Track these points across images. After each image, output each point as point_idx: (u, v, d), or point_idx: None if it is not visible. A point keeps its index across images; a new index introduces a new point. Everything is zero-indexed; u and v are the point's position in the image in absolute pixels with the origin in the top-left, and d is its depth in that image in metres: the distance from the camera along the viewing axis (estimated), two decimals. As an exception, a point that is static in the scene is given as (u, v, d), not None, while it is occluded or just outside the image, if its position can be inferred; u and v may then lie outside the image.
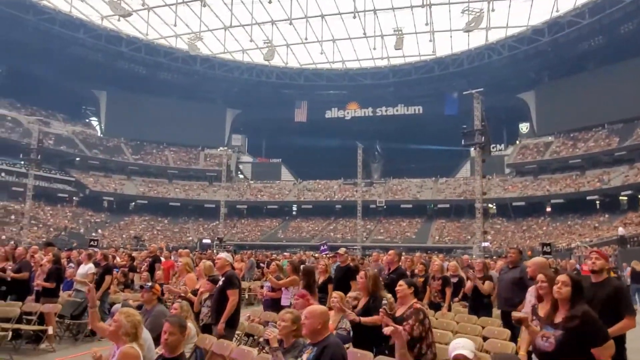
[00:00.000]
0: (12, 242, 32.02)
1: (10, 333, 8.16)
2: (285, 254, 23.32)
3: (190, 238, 58.71)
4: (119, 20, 57.91)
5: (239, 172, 77.27)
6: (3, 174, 54.53)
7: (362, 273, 5.48)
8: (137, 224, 61.18)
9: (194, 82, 72.86)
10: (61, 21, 58.90)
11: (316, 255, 24.10)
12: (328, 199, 67.29)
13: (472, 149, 44.79)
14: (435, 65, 66.76)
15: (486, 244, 37.38)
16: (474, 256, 28.25)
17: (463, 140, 37.24)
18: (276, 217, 66.93)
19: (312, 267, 8.92)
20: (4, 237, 42.20)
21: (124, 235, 55.16)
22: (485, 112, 35.55)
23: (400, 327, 4.48)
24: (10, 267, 9.30)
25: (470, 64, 63.83)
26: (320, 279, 8.35)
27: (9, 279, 9.07)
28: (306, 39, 61.52)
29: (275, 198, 69.35)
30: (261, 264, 18.08)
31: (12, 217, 49.08)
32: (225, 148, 69.05)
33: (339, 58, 68.54)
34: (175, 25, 58.47)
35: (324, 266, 8.68)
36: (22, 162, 53.13)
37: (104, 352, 4.29)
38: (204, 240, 53.91)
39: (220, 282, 6.10)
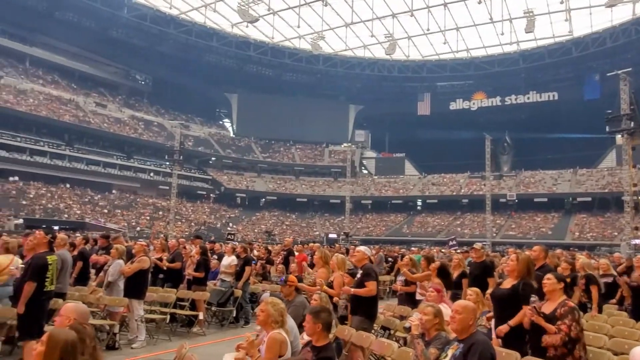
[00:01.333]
0: (162, 235, 35.45)
1: (168, 317, 9.05)
2: (412, 248, 23.01)
3: (317, 232, 60.42)
4: (247, 26, 61.31)
5: (363, 168, 77.86)
6: (152, 174, 60.60)
7: (513, 256, 5.12)
8: (267, 219, 64.37)
9: (318, 81, 74.82)
10: (197, 32, 63.88)
11: (444, 250, 23.50)
12: (454, 193, 65.23)
13: (619, 135, 40.58)
14: (573, 46, 61.48)
15: (637, 240, 33.69)
16: (623, 254, 25.59)
17: (607, 127, 33.94)
18: (401, 212, 66.41)
19: (446, 262, 8.71)
20: (155, 230, 46.86)
21: (255, 230, 58.38)
22: (634, 94, 31.99)
23: (554, 327, 4.20)
24: (165, 258, 10.28)
25: (614, 42, 57.83)
26: (454, 273, 8.13)
27: (164, 268, 10.03)
28: (428, 29, 60.12)
29: (399, 193, 68.83)
30: (389, 259, 18.05)
31: (161, 212, 54.32)
32: (349, 144, 69.94)
33: (463, 47, 66.02)
34: (298, 26, 60.48)
35: (457, 260, 8.44)
36: (167, 163, 58.55)
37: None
38: (330, 235, 55.16)
39: (359, 275, 6.18)
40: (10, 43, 57.15)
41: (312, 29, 62.53)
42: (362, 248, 6.53)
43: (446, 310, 4.74)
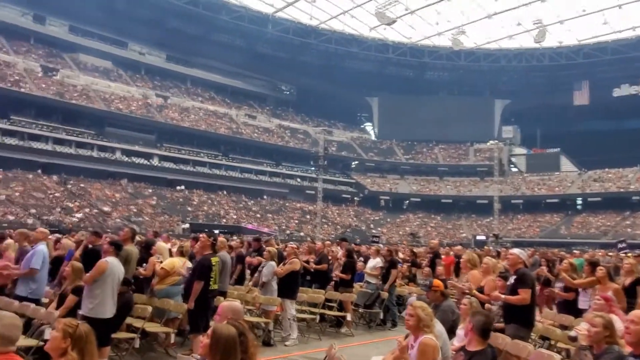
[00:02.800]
0: (309, 238, 36.89)
1: (318, 317, 9.34)
2: (575, 251, 21.02)
3: (464, 234, 58.22)
4: (385, 29, 61.46)
5: (512, 165, 73.28)
6: (299, 179, 63.52)
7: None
8: (411, 221, 63.65)
9: (460, 77, 72.28)
10: (336, 39, 65.74)
11: (610, 254, 21.10)
12: (621, 190, 58.38)
13: None
14: None
15: None
16: None
17: None
18: (557, 211, 61.22)
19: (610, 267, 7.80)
20: (302, 233, 48.97)
21: (400, 232, 58.04)
22: None
23: None
24: (312, 260, 10.64)
25: None
26: (626, 280, 7.23)
27: (312, 270, 10.38)
28: (584, 10, 54.77)
29: (555, 191, 63.52)
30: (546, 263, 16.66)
31: (308, 216, 56.63)
32: (496, 141, 66.29)
33: (627, 25, 58.87)
34: (437, 23, 59.06)
35: (630, 265, 7.49)
36: (313, 168, 60.92)
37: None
38: (478, 237, 52.80)
39: (512, 280, 5.78)
40: (174, 67, 64.30)
41: (451, 24, 60.66)
42: (515, 251, 6.09)
43: (618, 323, 4.21)
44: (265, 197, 58.94)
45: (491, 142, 67.69)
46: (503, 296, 5.77)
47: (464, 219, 64.80)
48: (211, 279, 6.93)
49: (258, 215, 52.79)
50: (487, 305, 6.16)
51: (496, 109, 74.91)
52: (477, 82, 72.28)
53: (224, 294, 8.17)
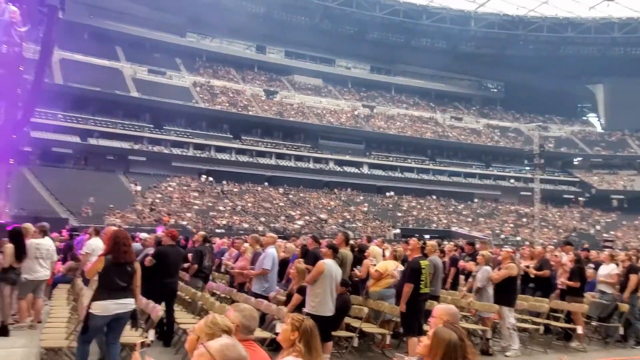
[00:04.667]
0: (527, 242, 34.28)
1: (542, 327, 8.57)
2: None
3: None
4: (607, 5, 54.35)
5: None
6: (512, 180, 59.66)
7: None
8: (654, 223, 54.56)
9: None
10: (548, 26, 60.37)
11: None
12: None
13: None
14: None
15: None
16: None
17: None
18: None
19: None
20: (518, 237, 45.78)
21: (639, 236, 50.19)
22: None
23: None
24: (532, 265, 9.82)
25: None
26: None
27: (532, 275, 9.57)
28: None
29: None
30: None
31: (524, 219, 52.75)
32: None
33: None
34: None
35: None
36: (527, 168, 56.62)
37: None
38: None
39: None
40: (378, 77, 66.55)
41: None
42: None
43: None
44: (475, 200, 56.80)
45: None
46: None
47: None
48: (421, 282, 6.90)
49: (469, 219, 51.10)
50: None
51: None
52: None
53: (436, 298, 8.05)
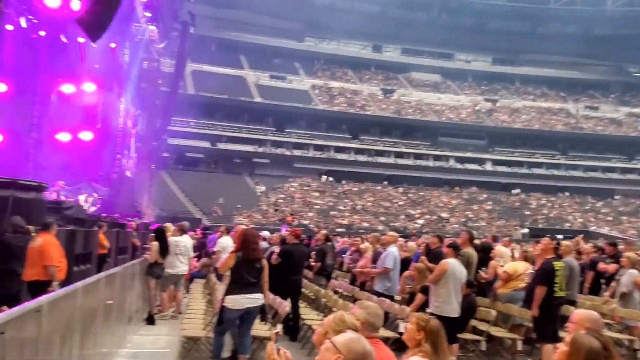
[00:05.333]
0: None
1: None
2: None
3: None
4: None
5: None
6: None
7: None
8: None
9: None
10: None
11: None
12: None
13: None
14: None
15: None
16: None
17: None
18: None
19: None
20: None
21: None
22: None
23: None
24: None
25: None
26: None
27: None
28: None
29: None
30: None
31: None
32: None
33: None
34: None
35: None
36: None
37: None
38: None
39: None
40: (500, 69, 63.08)
41: None
42: None
43: None
44: (617, 196, 51.62)
45: None
46: None
47: None
48: (555, 285, 6.41)
49: (609, 218, 46.59)
50: None
51: None
52: None
53: (572, 302, 7.44)
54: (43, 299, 2.80)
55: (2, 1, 12.50)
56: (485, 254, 8.45)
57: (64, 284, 5.97)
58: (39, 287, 5.82)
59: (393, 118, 53.04)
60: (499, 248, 9.59)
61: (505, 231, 39.03)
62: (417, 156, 52.08)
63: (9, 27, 15.13)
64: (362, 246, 9.92)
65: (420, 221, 41.24)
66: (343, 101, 54.45)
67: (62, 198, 16.93)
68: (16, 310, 2.44)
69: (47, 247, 6.04)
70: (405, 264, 8.90)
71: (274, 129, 50.44)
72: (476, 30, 59.30)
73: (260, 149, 48.55)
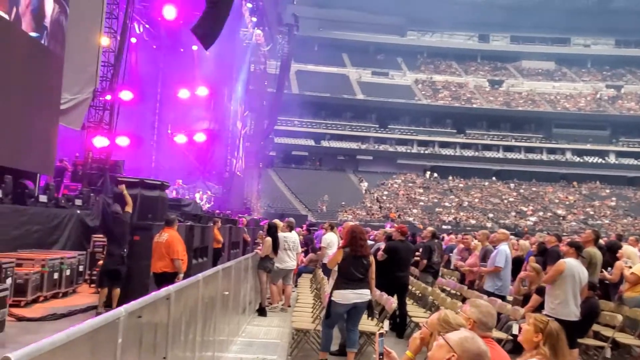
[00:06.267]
0: None
1: None
2: None
3: None
4: None
5: None
6: None
7: None
8: None
9: None
10: None
11: None
12: None
13: None
14: None
15: None
16: None
17: None
18: None
19: None
20: None
21: None
22: None
23: None
24: None
25: None
26: None
27: None
28: None
29: None
30: None
31: None
32: None
33: None
34: None
35: None
36: None
37: None
38: None
39: None
40: (626, 52, 57.26)
41: None
42: None
43: None
44: None
45: None
46: None
47: None
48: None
49: None
50: None
51: None
52: None
53: None
54: (171, 288, 3.07)
55: (128, 17, 13.75)
56: (611, 254, 7.80)
57: (184, 275, 6.45)
58: (166, 278, 6.34)
59: (502, 110, 50.66)
60: (626, 248, 8.80)
61: (632, 230, 35.72)
62: (529, 149, 49.32)
63: (133, 40, 16.61)
64: (472, 243, 9.60)
65: (533, 218, 38.99)
66: (447, 95, 52.94)
67: (180, 196, 18.27)
68: (150, 297, 2.70)
69: (172, 241, 6.55)
70: (517, 263, 8.48)
71: (377, 125, 50.36)
72: (596, 11, 54.68)
73: (364, 146, 48.72)
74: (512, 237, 11.50)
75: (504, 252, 7.68)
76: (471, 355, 1.99)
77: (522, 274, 7.67)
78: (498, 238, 8.19)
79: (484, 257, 8.26)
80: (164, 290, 2.95)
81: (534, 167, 47.58)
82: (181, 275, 6.44)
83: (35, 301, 7.41)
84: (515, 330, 5.67)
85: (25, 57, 9.49)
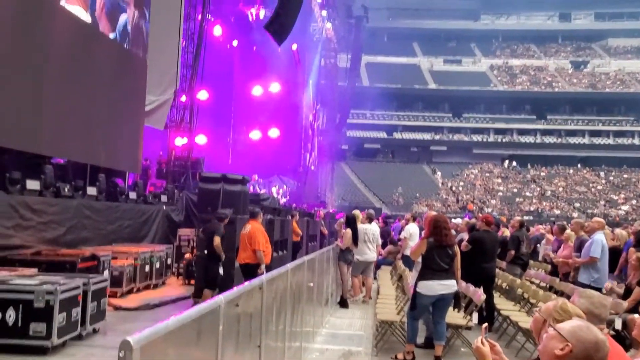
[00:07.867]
0: None
1: None
2: None
3: None
4: None
5: None
6: None
7: None
8: None
9: None
10: None
11: None
12: None
13: None
14: None
15: None
16: None
17: None
18: None
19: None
20: None
21: None
22: None
23: None
24: None
25: None
26: None
27: None
28: None
29: None
30: None
31: None
32: None
33: None
34: None
35: None
36: None
37: None
38: None
39: None
40: None
41: None
42: None
43: None
44: None
45: None
46: None
47: None
48: None
49: None
50: None
51: None
52: None
53: None
54: (263, 278, 3.11)
55: (204, 19, 14.18)
56: None
57: (267, 268, 6.54)
58: (249, 270, 6.47)
59: (587, 93, 47.73)
60: None
61: None
62: (618, 134, 46.16)
63: (212, 36, 17.13)
64: (565, 233, 9.07)
65: (625, 207, 36.49)
66: (526, 79, 50.58)
67: (257, 191, 18.67)
68: (245, 286, 2.75)
69: (255, 233, 6.68)
70: (614, 254, 7.91)
71: (450, 115, 49.06)
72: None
73: (437, 137, 47.63)
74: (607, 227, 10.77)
75: (599, 242, 7.19)
76: (588, 345, 1.81)
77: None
78: (593, 227, 7.68)
79: (579, 247, 7.78)
80: (257, 280, 2.99)
81: (625, 153, 44.46)
82: (263, 267, 6.54)
83: (129, 292, 7.83)
84: (617, 325, 5.28)
85: (110, 61, 9.97)
